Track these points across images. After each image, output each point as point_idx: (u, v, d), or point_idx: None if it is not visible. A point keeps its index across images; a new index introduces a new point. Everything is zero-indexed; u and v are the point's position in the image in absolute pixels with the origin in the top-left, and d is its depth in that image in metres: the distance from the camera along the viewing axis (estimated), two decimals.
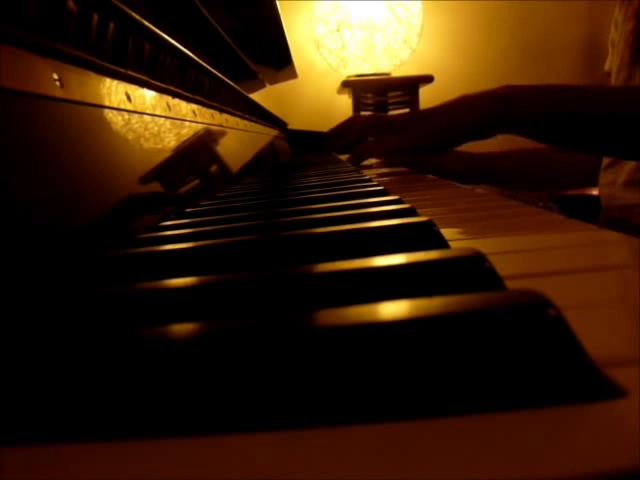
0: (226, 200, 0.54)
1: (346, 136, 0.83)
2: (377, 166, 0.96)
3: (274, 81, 1.53)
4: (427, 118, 0.71)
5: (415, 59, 2.08)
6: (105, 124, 0.38)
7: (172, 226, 0.39)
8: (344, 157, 1.11)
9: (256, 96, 1.16)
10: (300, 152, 1.62)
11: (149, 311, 0.19)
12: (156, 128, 0.49)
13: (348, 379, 0.12)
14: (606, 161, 0.82)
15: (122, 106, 0.42)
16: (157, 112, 0.51)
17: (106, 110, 0.39)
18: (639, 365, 0.13)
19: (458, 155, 0.90)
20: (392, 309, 0.14)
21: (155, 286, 0.21)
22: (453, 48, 2.21)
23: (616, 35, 0.83)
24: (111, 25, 0.41)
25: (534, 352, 0.12)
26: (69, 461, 0.11)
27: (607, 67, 0.88)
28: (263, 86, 1.43)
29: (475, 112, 0.67)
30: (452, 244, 0.27)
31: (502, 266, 0.20)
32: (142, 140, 0.45)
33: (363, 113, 1.98)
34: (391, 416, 0.12)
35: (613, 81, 0.82)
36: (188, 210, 0.48)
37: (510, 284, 0.19)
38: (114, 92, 0.41)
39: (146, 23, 0.46)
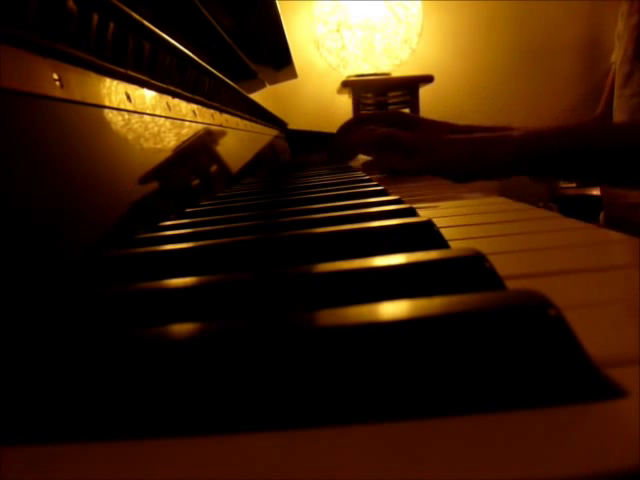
0: (226, 200, 0.54)
1: (359, 149, 0.80)
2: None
3: (274, 81, 1.53)
4: (449, 144, 0.70)
5: (415, 59, 2.08)
6: (105, 124, 0.38)
7: (172, 226, 0.39)
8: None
9: (256, 96, 1.16)
10: (300, 152, 1.62)
11: (149, 311, 0.19)
12: (156, 128, 0.49)
13: (348, 379, 0.12)
14: None
15: (122, 106, 0.42)
16: (157, 112, 0.51)
17: (106, 110, 0.39)
18: (639, 365, 0.13)
19: None
20: (392, 309, 0.14)
21: (155, 286, 0.21)
22: (453, 48, 2.20)
23: (622, 28, 0.83)
24: (111, 25, 0.41)
25: (534, 352, 0.12)
26: (69, 461, 0.11)
27: (613, 58, 0.88)
28: (263, 86, 1.43)
29: (498, 154, 0.67)
30: (452, 244, 0.27)
31: (502, 266, 0.20)
32: (142, 140, 0.45)
33: (363, 113, 1.97)
34: (391, 416, 0.12)
35: (616, 76, 0.82)
36: (188, 210, 0.48)
37: (510, 284, 0.19)
38: (114, 92, 0.41)
39: (146, 23, 0.46)
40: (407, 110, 1.97)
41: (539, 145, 0.65)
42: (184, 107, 0.62)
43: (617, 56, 0.85)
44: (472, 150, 0.68)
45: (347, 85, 1.99)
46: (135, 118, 0.44)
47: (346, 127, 0.81)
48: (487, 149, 0.68)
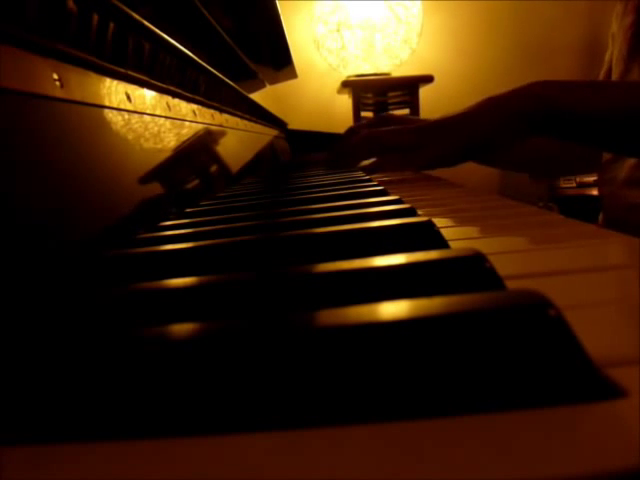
0: (226, 200, 0.54)
1: (359, 155, 0.72)
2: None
3: (274, 81, 1.53)
4: (452, 128, 0.63)
5: (415, 59, 2.08)
6: (105, 124, 0.38)
7: (172, 226, 0.39)
8: None
9: (256, 96, 1.16)
10: (300, 152, 1.62)
11: (149, 311, 0.19)
12: (156, 128, 0.49)
13: (348, 379, 0.12)
14: (607, 156, 0.80)
15: (122, 106, 0.42)
16: (157, 112, 0.51)
17: (106, 110, 0.39)
18: (639, 365, 0.13)
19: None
20: (392, 309, 0.14)
21: (155, 286, 0.21)
22: (453, 48, 2.21)
23: (616, 28, 0.82)
24: (111, 25, 0.41)
25: (534, 352, 0.12)
26: (69, 461, 0.11)
27: (607, 58, 0.87)
28: (263, 86, 1.43)
29: (507, 114, 0.60)
30: (452, 244, 0.27)
31: (502, 266, 0.20)
32: (142, 140, 0.45)
33: (364, 114, 1.97)
34: (391, 416, 0.12)
35: (612, 75, 0.82)
36: (188, 210, 0.48)
37: (510, 284, 0.19)
38: (114, 92, 0.41)
39: (146, 23, 0.46)
40: (407, 110, 1.97)
41: (560, 100, 0.57)
42: (184, 107, 0.62)
43: (610, 56, 0.85)
44: (477, 115, 0.61)
45: (347, 85, 1.98)
46: (135, 118, 0.44)
47: (345, 136, 0.77)
48: (494, 108, 0.60)
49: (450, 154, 0.63)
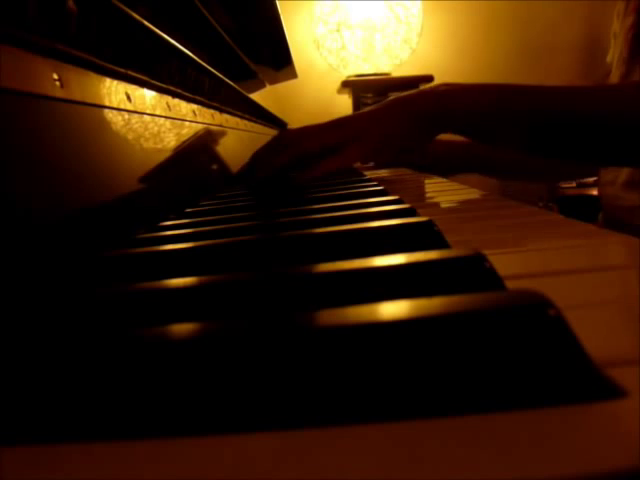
0: (226, 200, 0.54)
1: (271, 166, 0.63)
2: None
3: (274, 81, 1.53)
4: (358, 131, 0.58)
5: (415, 59, 2.08)
6: (105, 124, 0.38)
7: (172, 226, 0.39)
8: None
9: (256, 96, 1.16)
10: None
11: (149, 311, 0.19)
12: (156, 128, 0.49)
13: (348, 379, 0.12)
14: None
15: (122, 106, 0.42)
16: (157, 112, 0.51)
17: (106, 110, 0.39)
18: (639, 365, 0.13)
19: (439, 144, 0.80)
20: (392, 309, 0.14)
21: (155, 286, 0.21)
22: (453, 48, 2.21)
23: (618, 27, 0.82)
24: (111, 25, 0.41)
25: (534, 352, 0.12)
26: (69, 461, 0.11)
27: (609, 59, 0.87)
28: (263, 86, 1.43)
29: (412, 114, 0.58)
30: (452, 244, 0.27)
31: (502, 266, 0.20)
32: (142, 140, 0.45)
33: None
34: (391, 416, 0.12)
35: (613, 76, 0.81)
36: (188, 210, 0.48)
37: (510, 284, 0.19)
38: (114, 92, 0.41)
39: (146, 23, 0.46)
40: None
41: (462, 100, 0.56)
42: (184, 107, 0.62)
43: (612, 56, 0.84)
44: (380, 117, 0.58)
45: (347, 85, 1.99)
46: (135, 118, 0.44)
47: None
48: (399, 109, 0.58)
49: (360, 156, 0.59)
